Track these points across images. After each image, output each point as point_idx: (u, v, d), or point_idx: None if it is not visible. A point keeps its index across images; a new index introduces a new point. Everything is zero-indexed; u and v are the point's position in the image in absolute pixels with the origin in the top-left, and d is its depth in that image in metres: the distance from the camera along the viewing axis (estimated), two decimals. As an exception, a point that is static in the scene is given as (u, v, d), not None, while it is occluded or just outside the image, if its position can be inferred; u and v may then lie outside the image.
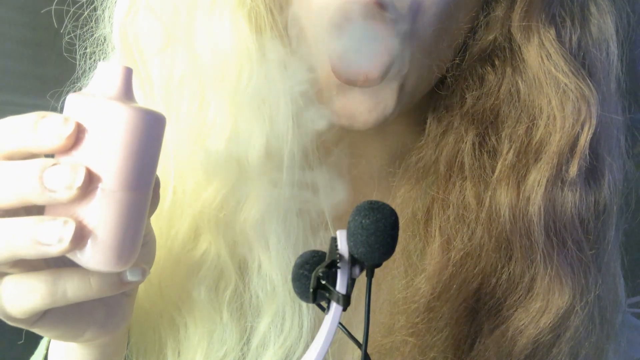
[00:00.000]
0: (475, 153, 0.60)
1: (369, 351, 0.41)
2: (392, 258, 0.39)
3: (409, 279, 0.61)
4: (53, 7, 0.61)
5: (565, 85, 0.58)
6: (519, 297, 0.59)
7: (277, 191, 0.54)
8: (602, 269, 0.62)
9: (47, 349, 0.55)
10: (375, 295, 0.63)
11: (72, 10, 0.60)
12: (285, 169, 0.54)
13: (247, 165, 0.54)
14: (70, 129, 0.40)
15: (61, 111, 0.42)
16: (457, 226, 0.60)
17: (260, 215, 0.55)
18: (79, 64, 0.61)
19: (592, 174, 0.61)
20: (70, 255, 0.41)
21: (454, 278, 0.59)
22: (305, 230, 0.58)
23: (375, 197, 0.63)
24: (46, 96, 0.60)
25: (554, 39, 0.58)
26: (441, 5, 0.53)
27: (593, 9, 0.61)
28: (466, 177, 0.60)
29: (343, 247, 0.40)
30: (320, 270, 0.39)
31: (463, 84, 0.61)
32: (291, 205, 0.56)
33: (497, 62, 0.60)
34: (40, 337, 0.58)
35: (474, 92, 0.61)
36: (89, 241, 0.41)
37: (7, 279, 0.44)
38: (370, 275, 0.39)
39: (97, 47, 0.61)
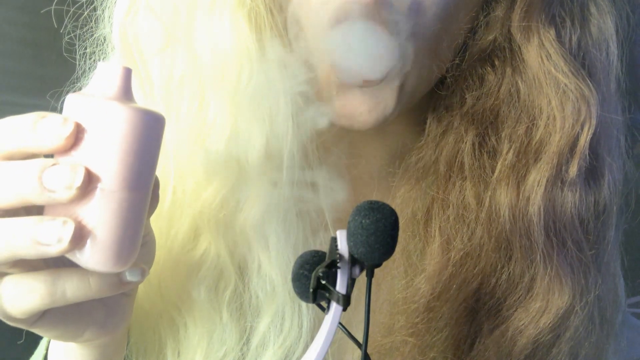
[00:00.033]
0: (475, 153, 0.60)
1: (368, 351, 0.41)
2: (392, 258, 0.39)
3: (408, 279, 0.61)
4: (53, 7, 0.61)
5: (565, 85, 0.58)
6: (519, 297, 0.59)
7: (277, 191, 0.54)
8: (602, 269, 0.62)
9: (47, 349, 0.55)
10: (375, 295, 0.63)
11: (72, 10, 0.60)
12: (285, 169, 0.54)
13: (247, 165, 0.54)
14: (69, 129, 0.40)
15: (61, 111, 0.42)
16: (457, 226, 0.60)
17: (260, 215, 0.55)
18: (79, 64, 0.61)
19: (592, 174, 0.61)
20: (69, 256, 0.41)
21: (454, 278, 0.59)
22: (305, 230, 0.58)
23: (375, 197, 0.63)
24: (46, 96, 0.60)
25: (553, 39, 0.58)
26: (441, 5, 0.53)
27: (593, 9, 0.61)
28: (466, 177, 0.60)
29: (343, 247, 0.40)
30: (320, 270, 0.39)
31: (463, 84, 0.61)
32: (291, 205, 0.56)
33: (497, 62, 0.60)
34: (40, 337, 0.58)
35: (473, 92, 0.61)
36: (88, 241, 0.41)
37: (6, 279, 0.44)
38: (370, 275, 0.39)
39: (97, 47, 0.61)
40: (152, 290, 0.58)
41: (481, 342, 0.60)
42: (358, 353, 0.41)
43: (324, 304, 0.41)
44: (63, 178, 0.39)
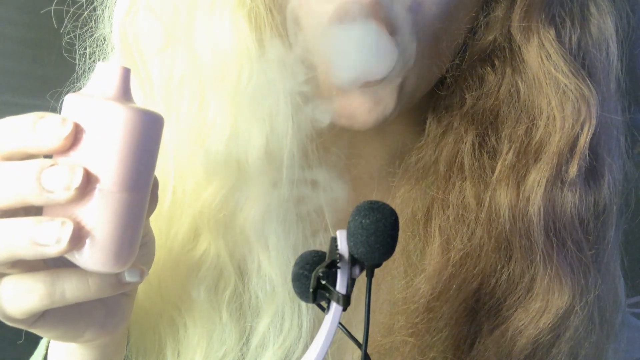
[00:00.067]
0: (475, 153, 0.60)
1: (368, 351, 0.41)
2: (391, 258, 0.39)
3: (408, 279, 0.61)
4: (53, 7, 0.61)
5: (565, 85, 0.58)
6: (519, 297, 0.59)
7: (276, 191, 0.54)
8: (602, 269, 0.62)
9: (47, 349, 0.55)
10: (375, 296, 0.63)
11: (72, 10, 0.60)
12: (285, 169, 0.54)
13: (246, 165, 0.54)
14: (68, 129, 0.40)
15: (60, 111, 0.42)
16: (456, 226, 0.59)
17: (260, 215, 0.55)
18: (79, 64, 0.61)
19: (591, 174, 0.61)
20: (68, 256, 0.41)
21: (454, 278, 0.59)
22: (304, 230, 0.58)
23: (375, 197, 0.63)
24: (46, 96, 0.60)
25: (553, 40, 0.58)
26: (441, 5, 0.53)
27: (593, 9, 0.61)
28: (466, 178, 0.60)
29: (343, 247, 0.40)
30: (320, 270, 0.39)
31: (463, 84, 0.61)
32: (291, 205, 0.56)
33: (497, 63, 0.60)
34: (40, 337, 0.58)
35: (473, 93, 0.61)
36: (87, 242, 0.41)
37: (5, 279, 0.44)
38: (370, 275, 0.39)
39: (96, 47, 0.61)
40: (152, 290, 0.58)
41: (481, 342, 0.60)
42: (358, 353, 0.41)
43: (323, 304, 0.41)
44: (61, 178, 0.39)
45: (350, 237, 0.38)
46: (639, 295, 0.78)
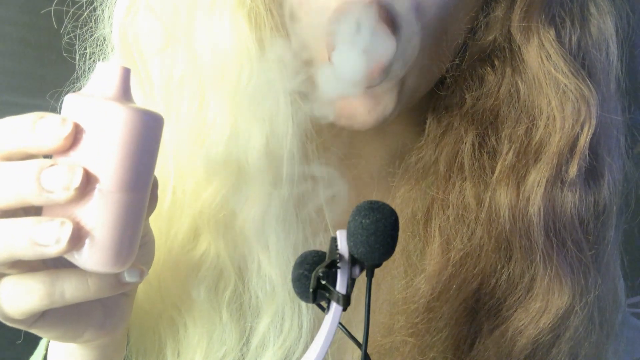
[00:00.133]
0: (475, 153, 0.60)
1: (368, 351, 0.41)
2: (391, 258, 0.39)
3: (408, 279, 0.61)
4: (53, 7, 0.61)
5: (565, 85, 0.58)
6: (519, 297, 0.59)
7: (276, 191, 0.54)
8: (602, 269, 0.62)
9: (47, 349, 0.55)
10: (375, 296, 0.63)
11: (71, 10, 0.60)
12: (285, 169, 0.54)
13: (246, 165, 0.54)
14: (67, 129, 0.40)
15: (60, 111, 0.42)
16: (456, 226, 0.60)
17: (260, 215, 0.55)
18: (79, 64, 0.61)
19: (591, 174, 0.61)
20: (67, 256, 0.41)
21: (454, 278, 0.59)
22: (304, 230, 0.58)
23: (375, 197, 0.63)
24: (46, 96, 0.60)
25: (553, 40, 0.58)
26: (441, 5, 0.53)
27: (593, 10, 0.61)
28: (466, 178, 0.60)
29: (343, 247, 0.40)
30: (320, 270, 0.39)
31: (463, 85, 0.61)
32: (291, 205, 0.56)
33: (496, 63, 0.60)
34: (40, 338, 0.58)
35: (473, 93, 0.61)
36: (87, 242, 0.41)
37: (5, 279, 0.44)
38: (370, 275, 0.39)
39: (96, 47, 0.61)
40: (152, 291, 0.58)
41: (481, 342, 0.60)
42: (358, 353, 0.41)
43: (324, 304, 0.41)
44: (61, 179, 0.39)
45: (350, 237, 0.38)
46: (639, 295, 0.78)
